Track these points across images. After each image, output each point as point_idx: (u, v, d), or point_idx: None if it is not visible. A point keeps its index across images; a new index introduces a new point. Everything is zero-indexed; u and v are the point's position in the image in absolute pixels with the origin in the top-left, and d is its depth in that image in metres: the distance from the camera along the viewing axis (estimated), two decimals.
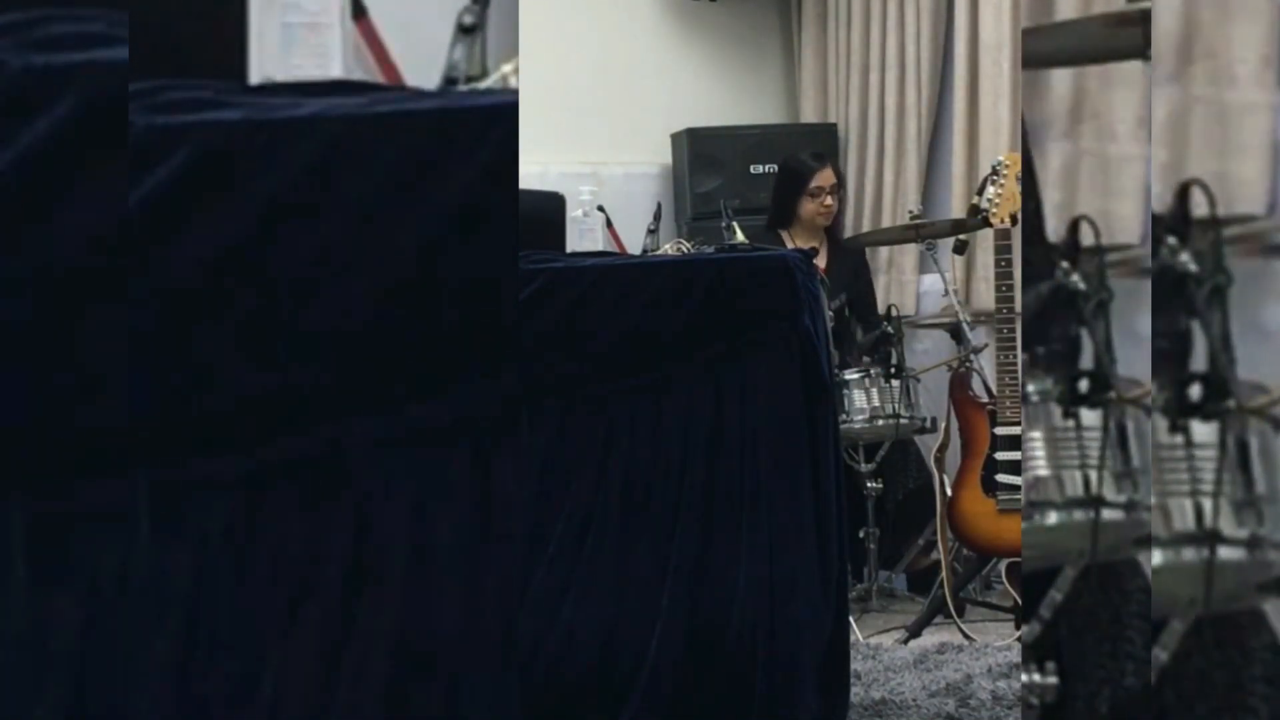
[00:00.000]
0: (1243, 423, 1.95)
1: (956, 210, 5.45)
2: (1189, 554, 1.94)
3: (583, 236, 5.10)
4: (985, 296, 5.33)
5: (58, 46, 1.69)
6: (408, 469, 1.89)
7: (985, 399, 4.56)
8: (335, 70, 2.58)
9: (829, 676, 3.01)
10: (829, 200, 5.26)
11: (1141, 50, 2.06)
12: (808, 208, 5.26)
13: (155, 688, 1.79)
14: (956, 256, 4.97)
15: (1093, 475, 2.05)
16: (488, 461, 1.91)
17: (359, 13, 2.66)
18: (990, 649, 4.07)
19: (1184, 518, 1.95)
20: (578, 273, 2.96)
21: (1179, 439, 1.96)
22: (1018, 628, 4.20)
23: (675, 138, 6.21)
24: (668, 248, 3.72)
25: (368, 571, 1.87)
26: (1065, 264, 2.09)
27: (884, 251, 5.90)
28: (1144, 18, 2.05)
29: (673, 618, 2.87)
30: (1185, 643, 1.94)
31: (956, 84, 5.71)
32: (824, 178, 5.26)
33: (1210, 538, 1.94)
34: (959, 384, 4.55)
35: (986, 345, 4.83)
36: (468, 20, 2.58)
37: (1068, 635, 2.04)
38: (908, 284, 5.91)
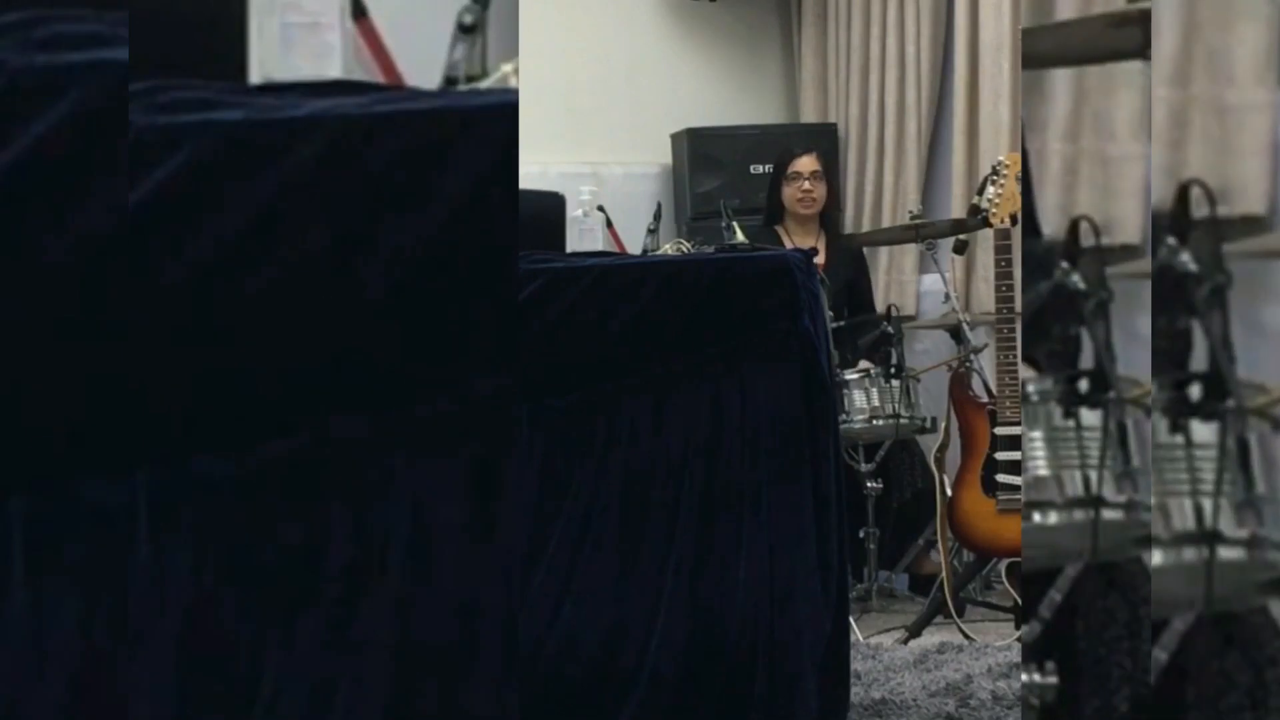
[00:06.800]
0: (1243, 423, 1.95)
1: (956, 210, 5.45)
2: (1189, 554, 1.94)
3: (583, 236, 5.10)
4: (985, 297, 5.33)
5: (58, 46, 1.69)
6: (408, 469, 1.89)
7: (985, 399, 4.56)
8: (335, 70, 2.58)
9: (829, 676, 3.00)
10: (807, 185, 5.23)
11: (1141, 50, 2.06)
12: (786, 194, 5.26)
13: (155, 688, 1.79)
14: (956, 256, 4.96)
15: (1093, 475, 2.05)
16: (487, 461, 1.91)
17: (359, 13, 2.66)
18: (990, 649, 4.07)
19: (1184, 518, 1.95)
20: (578, 273, 2.96)
21: (1179, 439, 1.95)
22: (1018, 628, 4.20)
23: (675, 138, 6.21)
24: (668, 248, 3.72)
25: (368, 571, 1.86)
26: (1065, 264, 2.09)
27: (884, 251, 5.90)
28: (1144, 18, 2.04)
29: (673, 618, 2.87)
30: (1195, 643, 1.94)
31: (956, 84, 5.71)
32: (802, 164, 5.25)
33: (1210, 538, 1.93)
34: (959, 384, 4.55)
35: (986, 345, 4.83)
36: (468, 20, 2.58)
37: (1080, 633, 2.03)
38: (908, 284, 5.91)
